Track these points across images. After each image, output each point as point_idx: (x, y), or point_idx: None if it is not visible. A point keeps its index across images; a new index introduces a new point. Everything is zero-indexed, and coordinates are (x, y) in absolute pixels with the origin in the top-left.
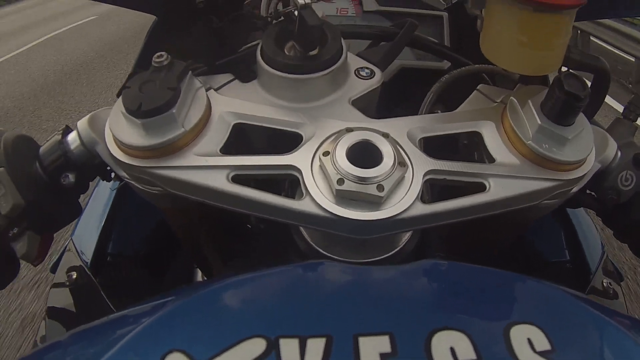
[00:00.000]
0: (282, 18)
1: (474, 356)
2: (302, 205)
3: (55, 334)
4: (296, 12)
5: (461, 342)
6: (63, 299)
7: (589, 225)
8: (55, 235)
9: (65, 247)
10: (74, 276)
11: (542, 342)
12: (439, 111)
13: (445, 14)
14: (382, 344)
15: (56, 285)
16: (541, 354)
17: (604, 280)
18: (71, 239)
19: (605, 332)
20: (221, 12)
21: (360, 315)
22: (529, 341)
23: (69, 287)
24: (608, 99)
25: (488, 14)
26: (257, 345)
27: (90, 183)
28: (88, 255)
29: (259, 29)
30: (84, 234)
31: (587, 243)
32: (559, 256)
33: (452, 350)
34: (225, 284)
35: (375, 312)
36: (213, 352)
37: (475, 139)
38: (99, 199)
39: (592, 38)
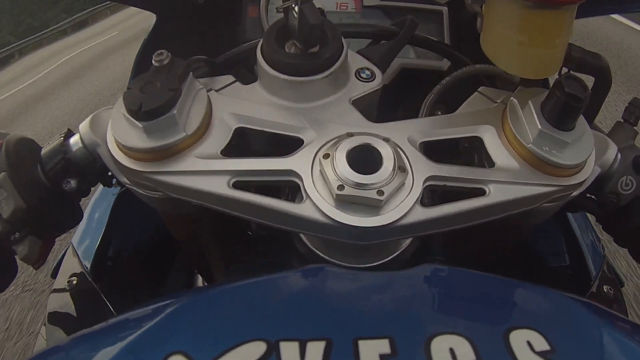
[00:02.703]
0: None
1: (473, 357)
2: (302, 209)
3: (55, 339)
4: (296, 8)
5: (461, 345)
6: (63, 304)
7: (589, 231)
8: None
9: (66, 252)
10: (75, 282)
11: (542, 344)
12: (439, 112)
13: (445, 9)
14: (382, 347)
15: (56, 290)
16: (541, 354)
17: (605, 286)
18: (71, 243)
19: (605, 337)
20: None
21: (360, 320)
22: (529, 343)
23: (69, 291)
24: None
25: (488, 11)
26: (257, 348)
27: (92, 188)
28: (88, 260)
29: None
30: (84, 238)
31: (587, 248)
32: (559, 261)
33: (452, 351)
34: (225, 288)
35: (375, 317)
36: (213, 355)
37: (476, 142)
38: (100, 203)
39: None
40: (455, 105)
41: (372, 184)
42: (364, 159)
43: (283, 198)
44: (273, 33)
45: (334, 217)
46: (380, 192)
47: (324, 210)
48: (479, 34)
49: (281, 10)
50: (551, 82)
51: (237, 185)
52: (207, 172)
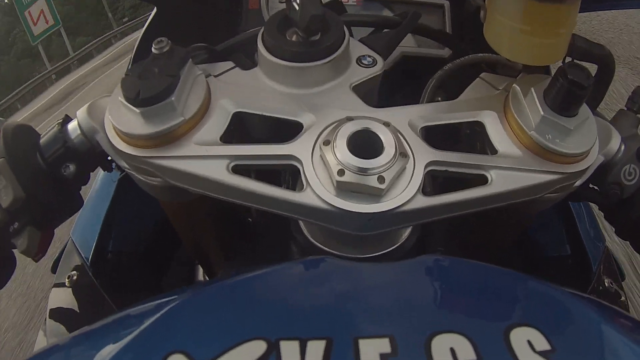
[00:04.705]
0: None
1: (474, 356)
2: (302, 197)
3: (57, 334)
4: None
5: (461, 343)
6: (64, 299)
7: (591, 221)
8: (55, 231)
9: (66, 245)
10: (75, 277)
11: (542, 344)
12: (440, 99)
13: (446, 3)
14: (383, 346)
15: (57, 285)
16: (541, 354)
17: (606, 279)
18: (71, 236)
19: (606, 334)
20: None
21: (360, 318)
22: (529, 342)
23: (70, 287)
24: None
25: (491, 3)
26: (258, 347)
27: (92, 175)
28: (88, 253)
29: None
30: (84, 230)
31: (588, 238)
32: (560, 251)
33: (453, 351)
34: (225, 284)
35: (376, 314)
36: (214, 354)
37: (478, 128)
38: (99, 193)
39: None
40: (456, 94)
41: (373, 168)
42: (365, 144)
43: (284, 185)
44: (275, 22)
45: (334, 204)
46: (381, 179)
47: (324, 197)
48: (481, 27)
49: (283, 0)
50: (553, 70)
51: (236, 172)
52: (206, 157)
